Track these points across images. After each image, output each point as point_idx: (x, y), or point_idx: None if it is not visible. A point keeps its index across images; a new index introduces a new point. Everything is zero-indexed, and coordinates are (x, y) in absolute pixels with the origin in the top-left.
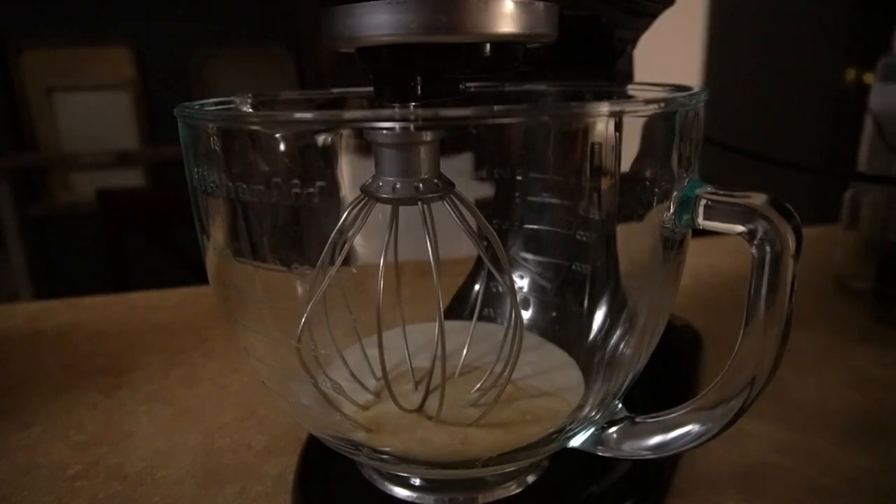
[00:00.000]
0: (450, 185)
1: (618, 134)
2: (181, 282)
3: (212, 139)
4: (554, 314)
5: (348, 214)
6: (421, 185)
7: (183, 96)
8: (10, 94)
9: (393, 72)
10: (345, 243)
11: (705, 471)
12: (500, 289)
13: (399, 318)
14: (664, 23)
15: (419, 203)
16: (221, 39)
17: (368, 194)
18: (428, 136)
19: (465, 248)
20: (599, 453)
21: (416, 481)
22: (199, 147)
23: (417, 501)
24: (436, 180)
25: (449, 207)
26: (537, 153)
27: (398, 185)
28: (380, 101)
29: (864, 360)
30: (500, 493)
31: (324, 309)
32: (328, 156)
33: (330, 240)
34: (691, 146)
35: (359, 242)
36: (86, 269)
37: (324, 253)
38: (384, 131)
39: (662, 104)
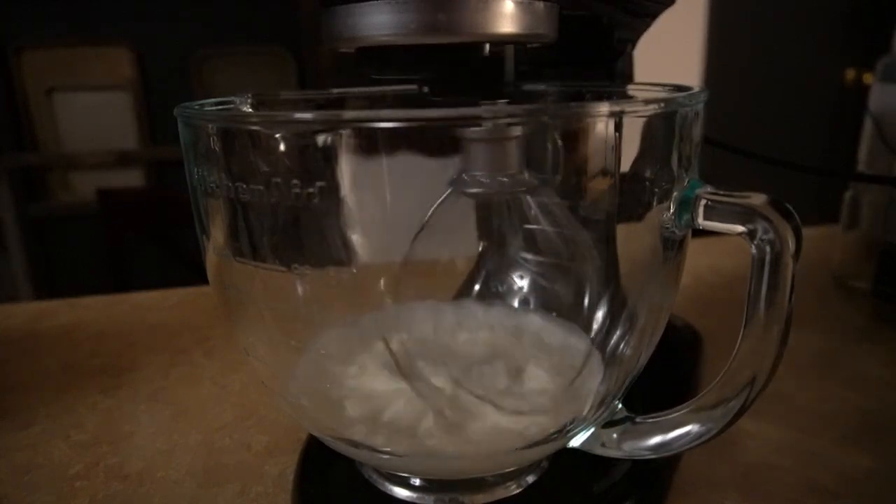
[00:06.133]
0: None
1: (618, 134)
2: (181, 282)
3: (212, 139)
4: (554, 314)
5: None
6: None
7: (183, 96)
8: (10, 94)
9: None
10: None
11: (705, 471)
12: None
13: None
14: (664, 23)
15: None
16: (221, 39)
17: (456, 189)
18: (517, 130)
19: (465, 249)
20: (599, 453)
21: (416, 481)
22: (199, 147)
23: (417, 501)
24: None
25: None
26: (537, 153)
27: (485, 180)
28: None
29: (863, 359)
30: (500, 493)
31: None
32: (328, 156)
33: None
34: (691, 146)
35: (359, 242)
36: (86, 269)
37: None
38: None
39: (662, 104)
